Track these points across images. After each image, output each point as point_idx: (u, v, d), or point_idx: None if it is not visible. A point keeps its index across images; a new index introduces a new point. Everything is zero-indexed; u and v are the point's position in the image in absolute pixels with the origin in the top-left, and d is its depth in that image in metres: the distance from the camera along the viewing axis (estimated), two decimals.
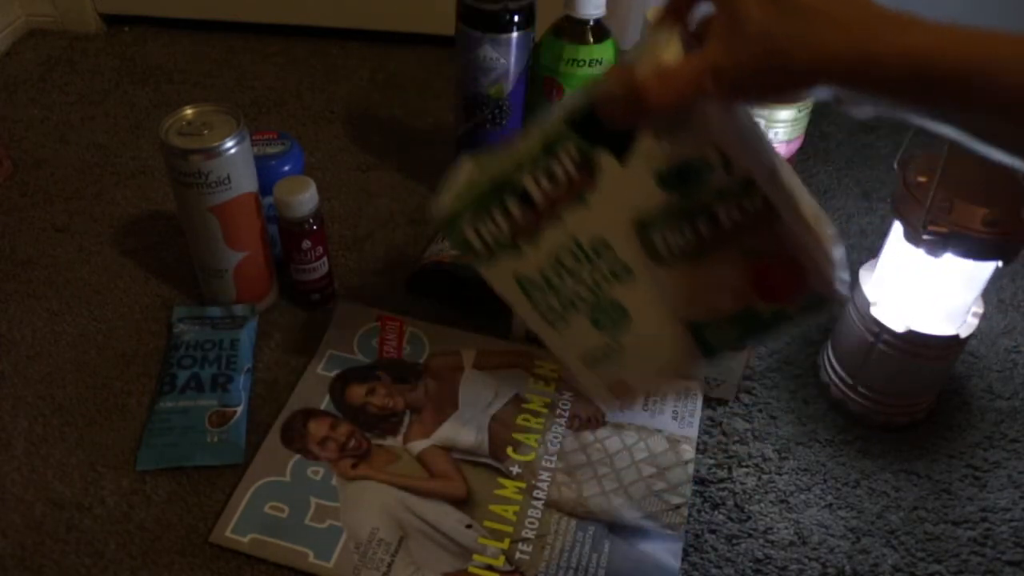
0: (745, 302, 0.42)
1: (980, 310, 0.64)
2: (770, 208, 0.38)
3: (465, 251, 0.45)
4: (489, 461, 0.63)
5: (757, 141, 0.40)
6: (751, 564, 0.58)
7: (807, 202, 0.40)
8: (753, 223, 0.39)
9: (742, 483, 0.63)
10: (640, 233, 0.40)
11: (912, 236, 0.58)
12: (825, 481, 0.64)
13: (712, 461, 0.65)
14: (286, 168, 0.74)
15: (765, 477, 0.64)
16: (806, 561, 0.59)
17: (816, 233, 0.39)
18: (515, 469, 0.62)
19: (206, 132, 0.64)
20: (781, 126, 0.72)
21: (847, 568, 0.58)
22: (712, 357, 0.45)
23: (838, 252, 0.41)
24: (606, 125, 0.38)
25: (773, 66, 0.34)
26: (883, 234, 0.65)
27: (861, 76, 0.33)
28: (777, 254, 0.40)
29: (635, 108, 0.36)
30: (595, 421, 0.66)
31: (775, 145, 0.74)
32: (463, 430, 0.65)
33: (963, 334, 0.62)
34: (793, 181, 0.40)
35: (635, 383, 0.47)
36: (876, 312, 0.63)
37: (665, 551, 0.58)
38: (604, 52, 0.74)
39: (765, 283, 0.41)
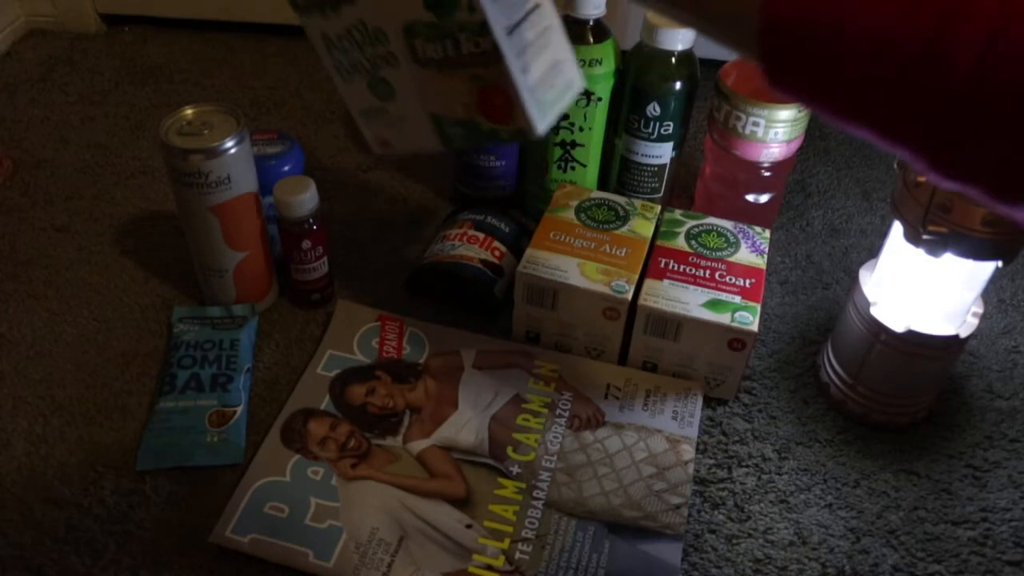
0: (471, 114, 0.53)
1: (980, 310, 0.64)
2: (497, 51, 0.48)
3: (291, 3, 0.55)
4: (489, 461, 0.63)
5: (518, 14, 0.50)
6: (751, 564, 0.58)
7: (549, 57, 0.52)
8: (483, 58, 0.49)
9: (742, 483, 0.63)
10: (407, 35, 0.51)
11: (912, 236, 0.58)
12: (825, 481, 0.64)
13: (712, 461, 0.65)
14: (286, 168, 0.74)
15: (765, 477, 0.64)
16: (806, 561, 0.59)
17: (525, 86, 0.50)
18: (515, 469, 0.62)
19: (206, 132, 0.64)
20: (781, 126, 0.72)
21: (847, 568, 0.58)
22: (449, 146, 0.56)
23: (552, 99, 0.53)
24: None
25: None
26: (883, 234, 0.65)
27: None
28: (497, 87, 0.51)
29: None
30: (595, 421, 0.66)
31: (775, 144, 0.74)
32: (463, 430, 0.65)
33: (963, 334, 0.62)
34: (541, 39, 0.51)
35: (396, 143, 0.58)
36: (876, 312, 0.63)
37: (665, 551, 0.58)
38: (604, 52, 0.74)
39: (485, 105, 0.52)
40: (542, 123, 0.53)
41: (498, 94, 0.52)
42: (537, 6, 0.52)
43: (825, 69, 0.35)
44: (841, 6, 0.33)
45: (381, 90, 0.56)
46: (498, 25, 0.49)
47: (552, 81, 0.54)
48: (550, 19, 0.52)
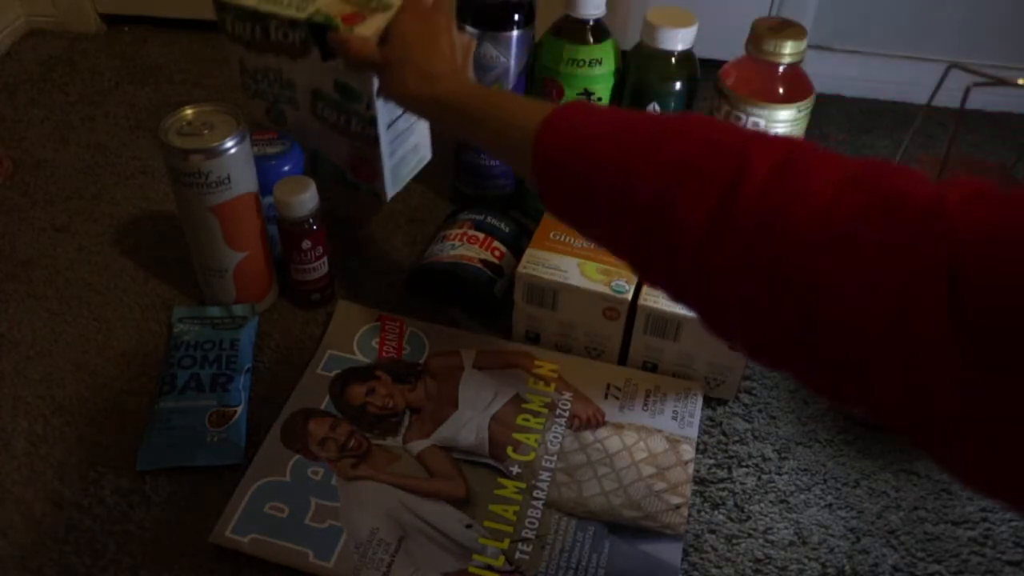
0: (343, 164, 0.72)
1: None
2: (377, 140, 0.67)
3: (220, 28, 0.70)
4: (489, 461, 0.63)
5: (398, 113, 0.68)
6: (751, 564, 0.58)
7: (412, 142, 0.72)
8: (365, 139, 0.67)
9: (742, 483, 0.63)
10: (313, 96, 0.68)
11: None
12: (825, 481, 0.64)
13: (712, 461, 0.65)
14: (286, 168, 0.74)
15: (765, 477, 0.64)
16: (806, 561, 0.59)
17: (388, 166, 0.70)
18: (515, 469, 0.62)
19: (206, 132, 0.64)
20: (781, 126, 0.72)
21: (847, 568, 0.58)
22: (316, 169, 0.74)
23: (406, 174, 0.74)
24: (328, 41, 0.64)
25: (393, 95, 0.61)
26: None
27: (418, 107, 0.59)
28: (367, 158, 0.69)
29: (343, 48, 0.62)
30: (595, 421, 0.66)
31: None
32: (463, 430, 0.65)
33: None
34: (409, 129, 0.71)
35: None
36: None
37: (665, 551, 0.58)
38: (604, 52, 0.74)
39: (354, 166, 0.71)
40: (392, 192, 0.72)
41: (367, 165, 0.69)
42: (410, 123, 0.70)
43: (579, 204, 0.46)
44: (591, 162, 0.44)
45: (276, 118, 0.72)
46: (383, 122, 0.66)
47: (409, 159, 0.72)
48: None
